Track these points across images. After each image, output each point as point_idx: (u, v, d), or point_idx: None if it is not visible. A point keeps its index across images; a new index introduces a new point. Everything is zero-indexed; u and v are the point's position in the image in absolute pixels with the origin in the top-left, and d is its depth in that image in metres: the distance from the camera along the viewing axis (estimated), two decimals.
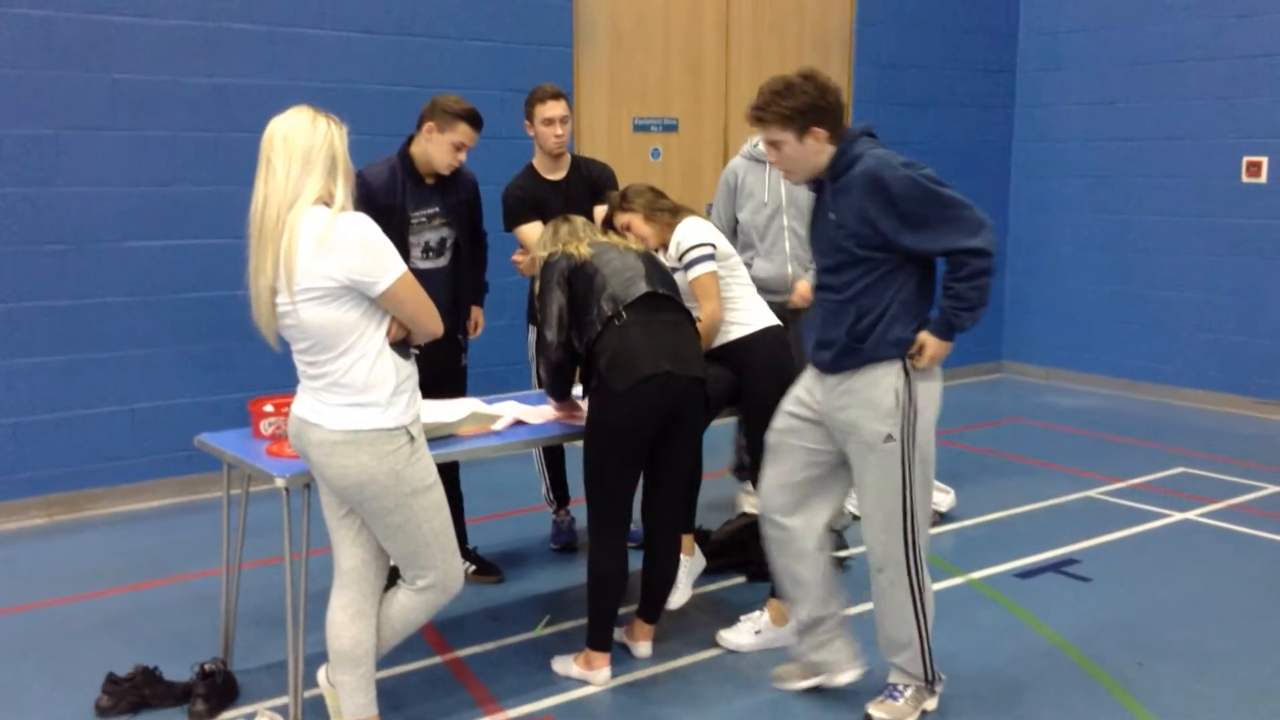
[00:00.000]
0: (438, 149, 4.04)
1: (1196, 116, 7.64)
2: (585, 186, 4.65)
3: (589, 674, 3.64)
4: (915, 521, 3.27)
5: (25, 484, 5.31)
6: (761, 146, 5.04)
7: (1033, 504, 5.53)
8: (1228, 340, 7.64)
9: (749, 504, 5.20)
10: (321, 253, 2.80)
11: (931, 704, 3.42)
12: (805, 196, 4.98)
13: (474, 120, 4.04)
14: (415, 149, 4.12)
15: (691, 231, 3.93)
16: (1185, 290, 7.81)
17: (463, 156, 4.09)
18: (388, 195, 4.05)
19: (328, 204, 2.86)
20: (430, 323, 2.99)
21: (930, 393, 3.28)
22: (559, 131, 4.54)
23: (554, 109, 4.52)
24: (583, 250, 3.62)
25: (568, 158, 4.68)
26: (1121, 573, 4.63)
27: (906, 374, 3.22)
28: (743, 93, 7.32)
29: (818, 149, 3.22)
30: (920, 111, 8.12)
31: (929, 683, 3.39)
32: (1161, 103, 7.81)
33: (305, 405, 2.98)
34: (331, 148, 2.88)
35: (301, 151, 2.84)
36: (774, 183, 4.90)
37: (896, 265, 3.20)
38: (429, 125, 4.04)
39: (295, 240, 2.81)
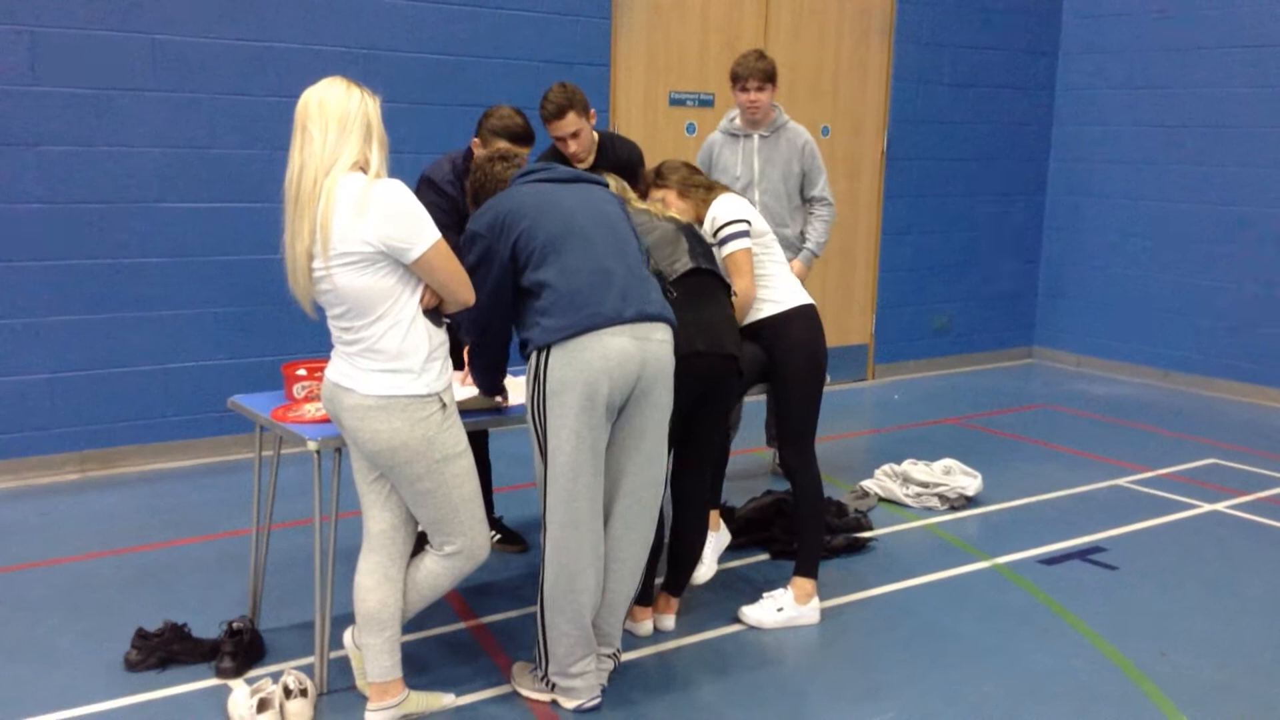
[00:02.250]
0: None
1: (1240, 104, 7.54)
2: (614, 172, 4.42)
3: (634, 626, 3.77)
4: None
5: (60, 439, 5.38)
6: (739, 121, 5.06)
7: (1060, 491, 5.51)
8: (1262, 332, 7.56)
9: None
10: (358, 217, 2.82)
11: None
12: (779, 173, 4.99)
13: (518, 139, 3.98)
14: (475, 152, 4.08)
15: (727, 207, 3.92)
16: (1221, 280, 7.73)
17: (523, 164, 4.02)
18: (452, 188, 4.06)
19: (364, 170, 2.88)
20: (462, 291, 3.01)
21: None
22: (573, 148, 4.30)
23: (560, 128, 4.24)
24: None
25: (595, 147, 4.51)
26: (1148, 562, 4.60)
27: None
28: (780, 70, 7.24)
29: None
30: (960, 92, 8.04)
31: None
32: (1205, 89, 7.71)
33: (339, 370, 3.01)
34: (366, 115, 2.91)
35: (337, 118, 2.87)
36: (748, 157, 4.92)
37: None
38: (476, 140, 4.06)
39: (332, 205, 2.83)
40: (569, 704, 3.31)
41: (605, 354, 3.09)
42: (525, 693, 3.39)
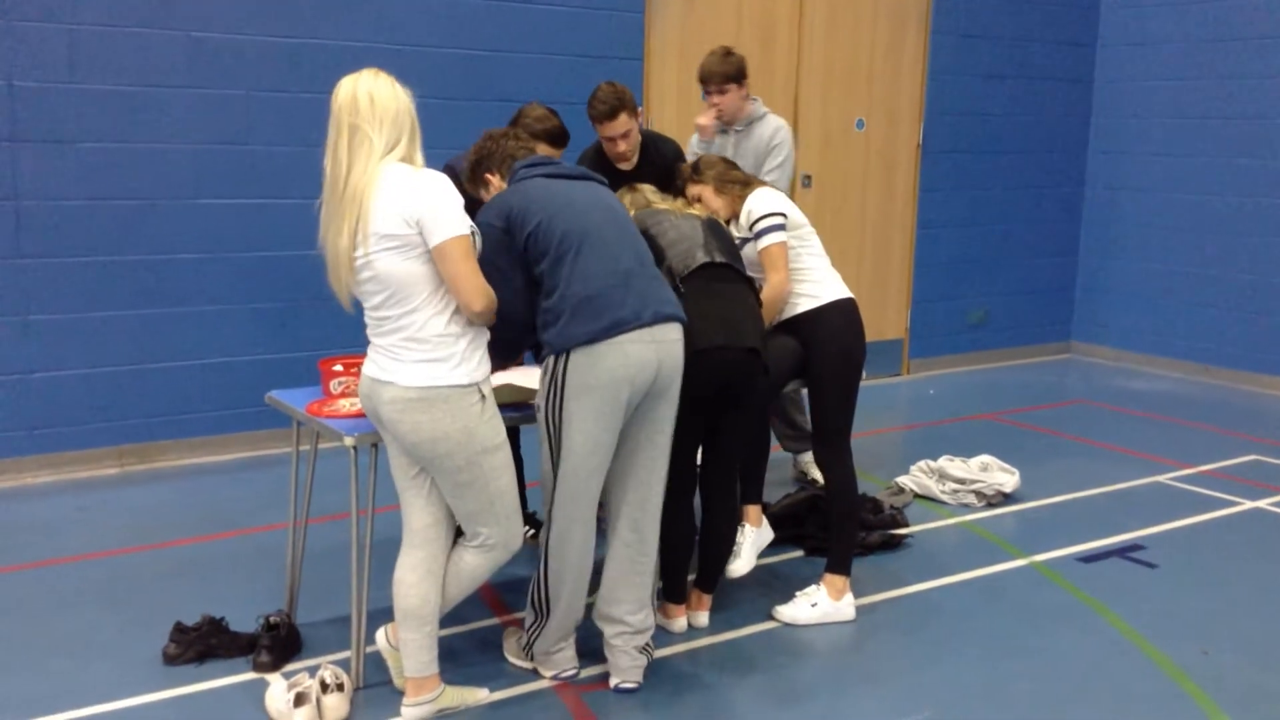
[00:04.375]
0: None
1: None
2: (658, 172, 4.37)
3: (668, 623, 3.78)
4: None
5: (98, 434, 5.43)
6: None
7: (1099, 488, 5.45)
8: None
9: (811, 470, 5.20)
10: (399, 199, 2.87)
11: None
12: (749, 167, 4.84)
13: (555, 140, 4.00)
14: None
15: (762, 201, 3.89)
16: (1263, 275, 7.61)
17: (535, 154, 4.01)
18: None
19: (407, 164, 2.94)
20: (469, 293, 2.95)
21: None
22: (622, 148, 4.28)
23: (611, 128, 4.22)
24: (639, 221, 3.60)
25: (639, 146, 4.46)
26: (1188, 560, 4.55)
27: None
28: (815, 62, 7.24)
29: None
30: (997, 84, 7.96)
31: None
32: (1247, 81, 7.59)
33: (377, 365, 3.02)
34: (412, 112, 2.96)
35: (392, 116, 2.92)
36: (721, 152, 4.82)
37: None
38: None
39: (375, 193, 2.87)
40: (547, 672, 3.46)
41: (626, 361, 3.12)
42: (511, 659, 3.55)
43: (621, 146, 4.29)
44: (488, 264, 3.11)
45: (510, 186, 3.34)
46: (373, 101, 2.90)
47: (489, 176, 3.45)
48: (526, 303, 3.26)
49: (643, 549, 3.40)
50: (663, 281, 3.34)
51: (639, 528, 3.38)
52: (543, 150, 3.98)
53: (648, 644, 3.47)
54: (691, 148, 4.97)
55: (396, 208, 2.87)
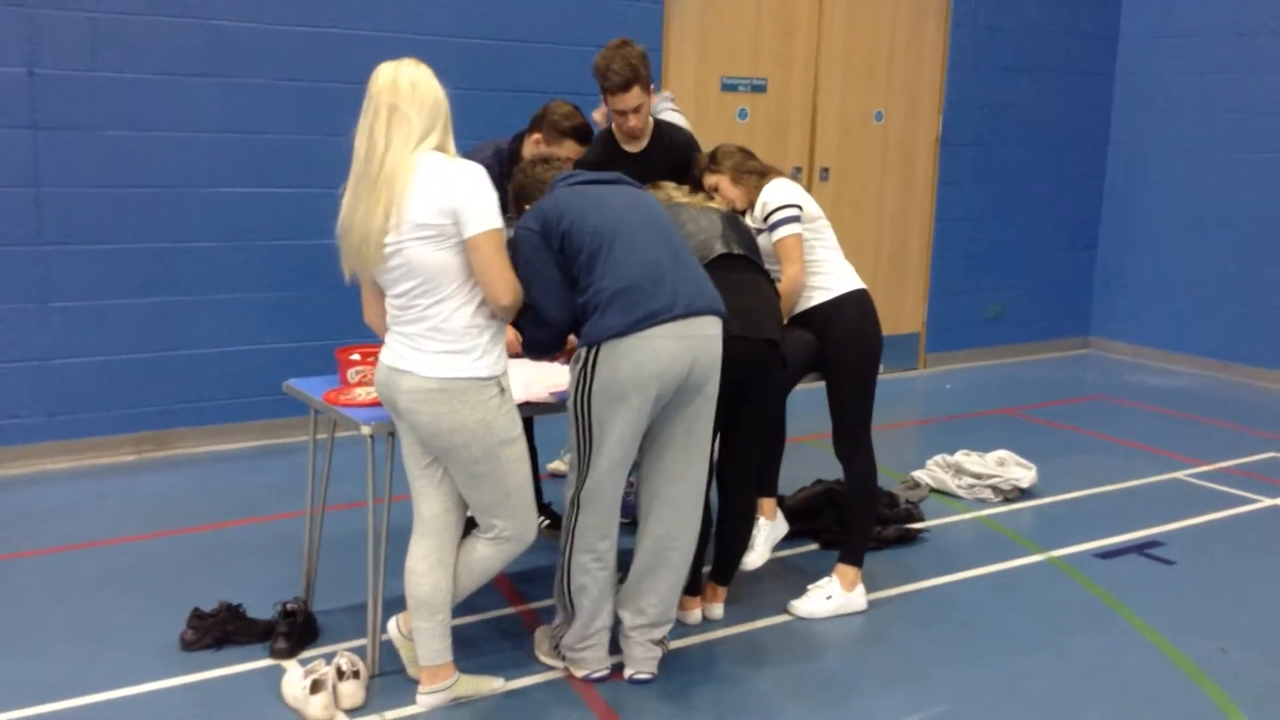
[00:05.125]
0: None
1: None
2: (668, 159, 4.29)
3: (684, 614, 3.77)
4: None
5: (116, 421, 5.46)
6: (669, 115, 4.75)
7: (1116, 484, 5.42)
8: None
9: None
10: (435, 189, 2.87)
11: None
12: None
13: (582, 136, 4.00)
14: (525, 151, 4.02)
15: (778, 192, 3.88)
16: None
17: (567, 169, 3.99)
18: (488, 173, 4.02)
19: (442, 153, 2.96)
20: (498, 286, 2.96)
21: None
22: (633, 123, 4.12)
23: (624, 101, 4.03)
24: None
25: (650, 129, 4.39)
26: (1206, 557, 4.52)
27: None
28: (834, 55, 7.21)
29: None
30: (1017, 76, 7.91)
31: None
32: (1270, 75, 7.53)
33: (396, 354, 3.02)
34: (446, 106, 2.98)
35: (432, 102, 2.93)
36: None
37: None
38: (537, 137, 4.01)
39: (411, 181, 2.88)
40: (578, 672, 3.42)
41: (656, 358, 3.11)
42: (543, 658, 3.51)
43: (632, 121, 4.11)
44: (525, 269, 3.13)
45: (547, 196, 3.35)
46: (414, 86, 2.92)
47: (528, 207, 3.44)
48: (560, 307, 3.23)
49: (671, 544, 3.36)
50: (700, 273, 3.29)
51: (666, 522, 3.35)
52: (569, 148, 3.97)
53: (664, 637, 3.47)
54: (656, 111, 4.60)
55: (433, 197, 2.87)
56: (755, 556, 3.99)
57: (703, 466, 3.38)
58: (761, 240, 3.87)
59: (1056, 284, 8.50)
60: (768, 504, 4.03)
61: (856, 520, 3.97)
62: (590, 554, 3.31)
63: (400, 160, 2.88)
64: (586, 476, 3.25)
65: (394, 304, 3.03)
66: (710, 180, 3.95)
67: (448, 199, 2.88)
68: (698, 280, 3.25)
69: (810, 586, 3.98)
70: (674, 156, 4.29)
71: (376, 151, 2.90)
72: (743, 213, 3.94)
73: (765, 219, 3.86)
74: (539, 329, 3.29)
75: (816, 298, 3.90)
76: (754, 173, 3.95)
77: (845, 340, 3.86)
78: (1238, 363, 7.86)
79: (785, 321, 3.88)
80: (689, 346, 3.16)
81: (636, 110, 4.09)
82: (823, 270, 3.92)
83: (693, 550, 3.46)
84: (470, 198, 2.90)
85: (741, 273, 3.58)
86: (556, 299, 3.22)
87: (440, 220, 2.88)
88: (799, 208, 3.86)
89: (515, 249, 3.17)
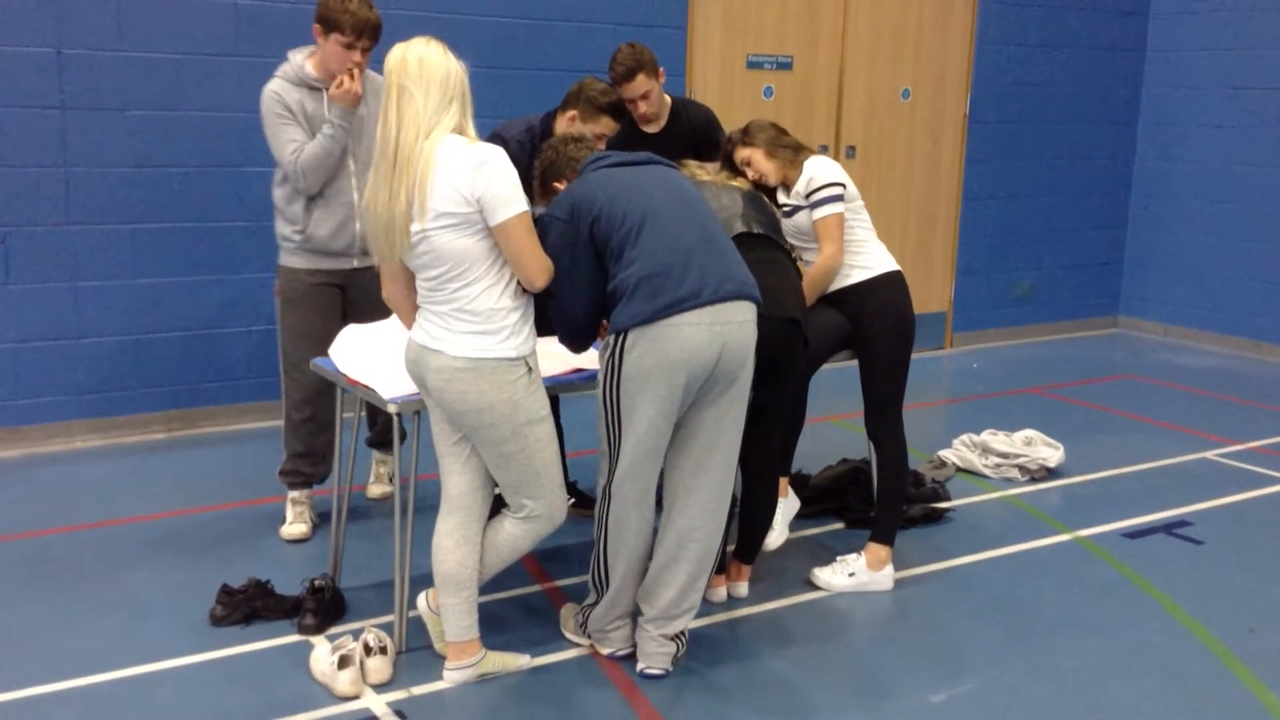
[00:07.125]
0: None
1: None
2: (686, 138, 4.38)
3: (709, 592, 3.75)
4: None
5: (146, 399, 5.51)
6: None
7: (1145, 463, 5.39)
8: None
9: None
10: (457, 175, 2.86)
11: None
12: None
13: (619, 113, 4.01)
14: (559, 128, 4.01)
15: (824, 169, 3.84)
16: None
17: (602, 146, 3.96)
18: (520, 149, 4.02)
19: (461, 135, 2.93)
20: (531, 269, 2.98)
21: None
22: (643, 109, 4.27)
23: (630, 89, 4.19)
24: None
25: (667, 109, 4.45)
26: (1235, 537, 4.49)
27: None
28: (860, 33, 7.15)
29: None
30: (1047, 53, 7.83)
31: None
32: None
33: (427, 332, 3.04)
34: (463, 81, 2.96)
35: (440, 80, 2.91)
36: None
37: None
38: (572, 114, 3.99)
39: (433, 166, 2.87)
40: (604, 650, 3.43)
41: (683, 345, 3.05)
42: (569, 635, 3.52)
43: (642, 107, 4.26)
44: (554, 258, 3.10)
45: (576, 180, 3.30)
46: (421, 63, 2.90)
47: (557, 185, 3.38)
48: (589, 299, 3.20)
49: (691, 535, 3.28)
50: (733, 256, 3.22)
51: (689, 513, 3.27)
52: (605, 124, 3.97)
53: (680, 634, 3.37)
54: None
55: (455, 185, 2.86)
56: (776, 536, 4.00)
57: (732, 458, 3.32)
58: (799, 217, 3.85)
59: (1085, 263, 8.43)
60: (781, 482, 4.03)
61: (888, 498, 3.96)
62: (623, 539, 3.27)
63: (416, 141, 2.87)
64: (616, 466, 3.21)
65: (424, 286, 3.03)
66: (743, 154, 3.91)
67: (470, 186, 2.87)
68: (729, 264, 3.18)
69: (839, 559, 3.98)
70: (693, 134, 4.35)
71: (390, 133, 2.90)
72: (773, 189, 3.91)
73: (808, 195, 3.83)
74: (567, 324, 3.28)
75: (855, 276, 3.88)
76: (788, 147, 3.92)
77: (882, 319, 3.85)
78: (1269, 341, 7.78)
79: (818, 300, 3.87)
80: (718, 333, 3.10)
81: (645, 97, 4.22)
82: (864, 250, 3.91)
83: (715, 544, 3.35)
84: (493, 183, 2.88)
85: (760, 250, 3.54)
86: (584, 293, 3.18)
87: (463, 208, 2.88)
88: (843, 187, 3.84)
89: (542, 236, 3.12)
